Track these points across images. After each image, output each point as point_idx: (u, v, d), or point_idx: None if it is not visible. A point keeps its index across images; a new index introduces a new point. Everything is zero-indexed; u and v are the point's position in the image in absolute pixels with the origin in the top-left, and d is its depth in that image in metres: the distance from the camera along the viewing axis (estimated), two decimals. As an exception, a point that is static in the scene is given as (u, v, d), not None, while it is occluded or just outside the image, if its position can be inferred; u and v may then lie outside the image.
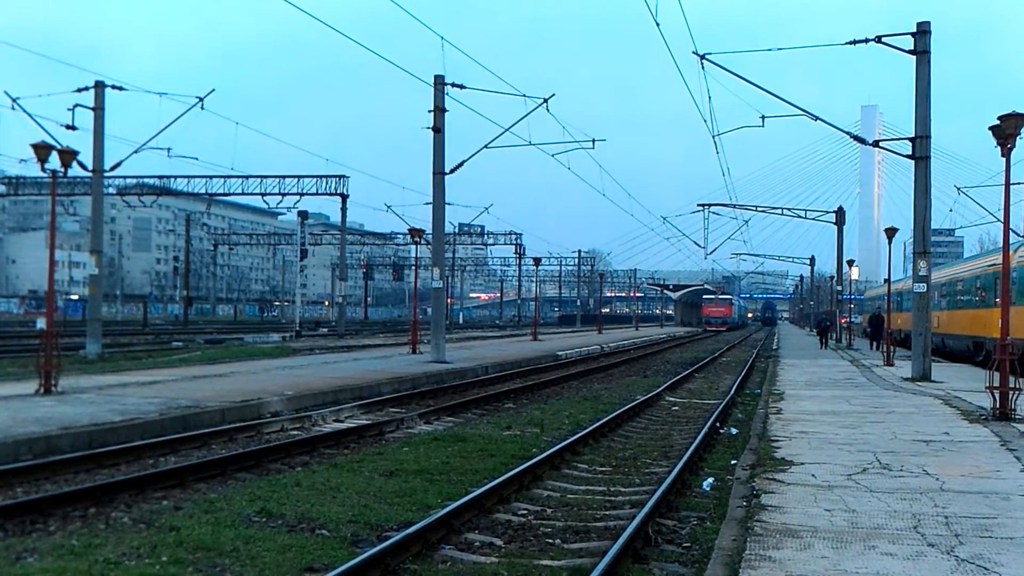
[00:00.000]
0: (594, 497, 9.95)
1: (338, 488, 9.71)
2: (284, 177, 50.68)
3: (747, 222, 59.36)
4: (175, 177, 52.42)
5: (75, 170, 22.08)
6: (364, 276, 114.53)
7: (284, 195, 50.45)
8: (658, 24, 21.38)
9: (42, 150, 17.11)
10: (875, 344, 41.78)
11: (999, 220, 17.92)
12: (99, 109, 29.95)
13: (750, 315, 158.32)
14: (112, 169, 32.08)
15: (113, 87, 30.14)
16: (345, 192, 51.27)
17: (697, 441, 12.87)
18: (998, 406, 14.56)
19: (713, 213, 55.84)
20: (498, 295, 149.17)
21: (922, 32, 22.71)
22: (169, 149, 33.92)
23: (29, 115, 28.79)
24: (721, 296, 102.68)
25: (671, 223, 63.38)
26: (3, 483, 9.71)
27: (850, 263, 54.95)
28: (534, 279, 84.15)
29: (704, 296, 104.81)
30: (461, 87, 27.30)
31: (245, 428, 14.00)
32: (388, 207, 56.62)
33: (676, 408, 19.04)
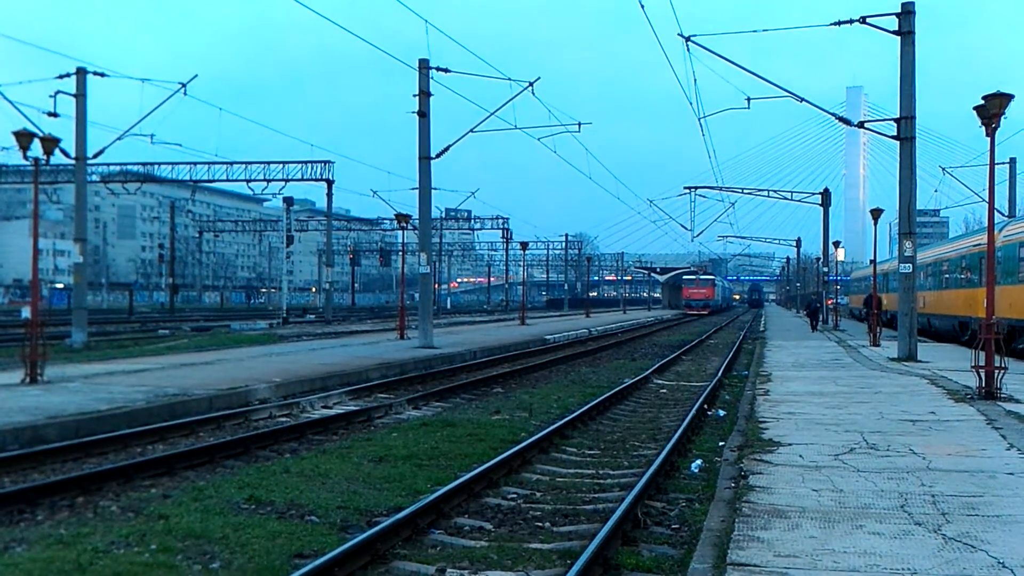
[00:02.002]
0: (583, 480, 9.97)
1: (327, 474, 9.70)
2: (269, 163, 50.42)
3: (733, 204, 59.47)
4: (159, 164, 52.13)
5: (58, 157, 21.98)
6: (351, 262, 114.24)
7: (269, 181, 50.17)
8: (643, 6, 21.36)
9: (24, 138, 16.97)
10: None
11: (984, 200, 18.02)
12: (81, 96, 29.66)
13: (736, 297, 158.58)
14: (95, 156, 31.81)
15: (95, 73, 29.86)
16: (331, 178, 51.07)
17: (685, 423, 12.91)
18: (984, 385, 14.65)
19: (699, 196, 56.02)
20: (486, 280, 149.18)
21: (906, 13, 22.73)
22: (152, 136, 33.60)
23: (10, 102, 28.48)
24: (703, 276, 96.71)
25: (658, 206, 63.25)
26: (-10, 473, 9.66)
27: (836, 244, 55.16)
28: (521, 263, 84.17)
29: (684, 277, 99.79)
30: (446, 71, 27.17)
31: (233, 415, 13.97)
32: (374, 192, 56.68)
33: (664, 391, 19.10)
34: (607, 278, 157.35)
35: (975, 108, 15.11)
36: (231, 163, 50.33)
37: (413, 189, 29.85)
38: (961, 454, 9.60)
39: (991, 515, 6.96)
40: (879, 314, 33.58)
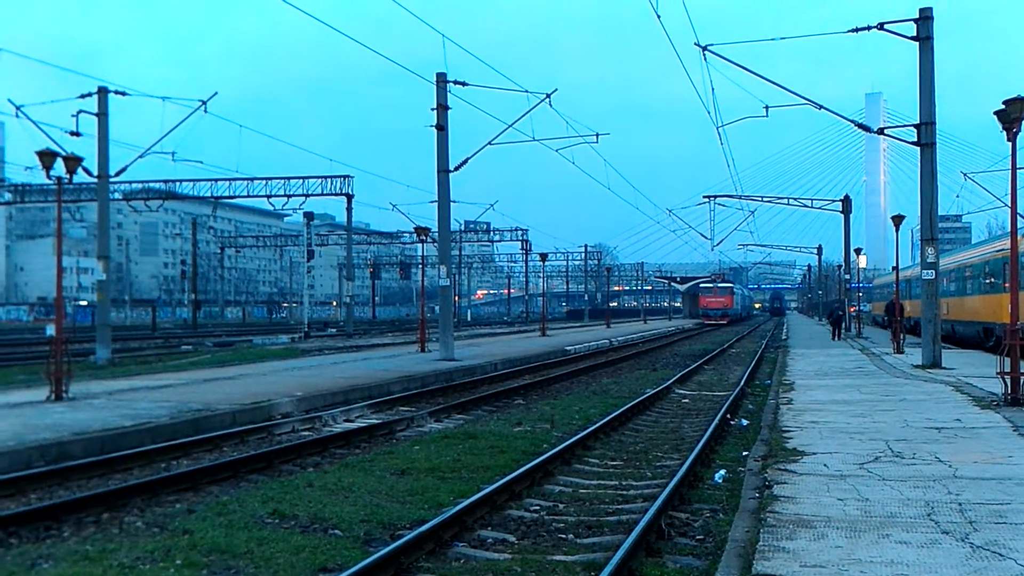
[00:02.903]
0: (606, 491, 9.94)
1: (350, 488, 9.72)
2: (289, 178, 50.68)
3: (753, 213, 59.30)
4: (180, 181, 52.43)
5: (80, 176, 22.14)
6: (371, 275, 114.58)
7: (289, 196, 50.43)
8: (659, 16, 21.37)
9: (47, 157, 17.15)
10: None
11: (1006, 205, 17.85)
12: (103, 115, 29.99)
13: (758, 306, 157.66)
14: (117, 174, 32.13)
15: (116, 92, 30.17)
16: (350, 192, 51.27)
17: (708, 433, 12.85)
18: (1009, 392, 14.51)
19: (719, 204, 55.78)
20: (505, 292, 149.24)
21: (924, 18, 22.61)
22: (174, 153, 34.01)
23: (33, 122, 28.85)
24: (721, 285, 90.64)
25: (677, 215, 62.85)
26: (17, 490, 9.75)
27: (858, 251, 54.78)
28: (541, 275, 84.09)
29: (701, 285, 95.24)
30: (464, 84, 27.29)
31: (256, 430, 14.03)
32: (393, 206, 56.70)
33: (686, 401, 19.02)
34: (627, 288, 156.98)
35: (995, 113, 15.03)
36: (251, 179, 50.68)
37: (432, 202, 29.98)
38: (988, 461, 9.50)
39: (1019, 523, 6.88)
40: (901, 321, 33.32)
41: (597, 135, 31.24)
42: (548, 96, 28.22)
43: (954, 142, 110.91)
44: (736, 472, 10.46)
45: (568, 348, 35.12)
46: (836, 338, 42.88)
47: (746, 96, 27.50)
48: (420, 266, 53.97)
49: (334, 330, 61.17)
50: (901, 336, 31.27)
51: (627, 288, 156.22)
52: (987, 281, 29.02)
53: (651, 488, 9.88)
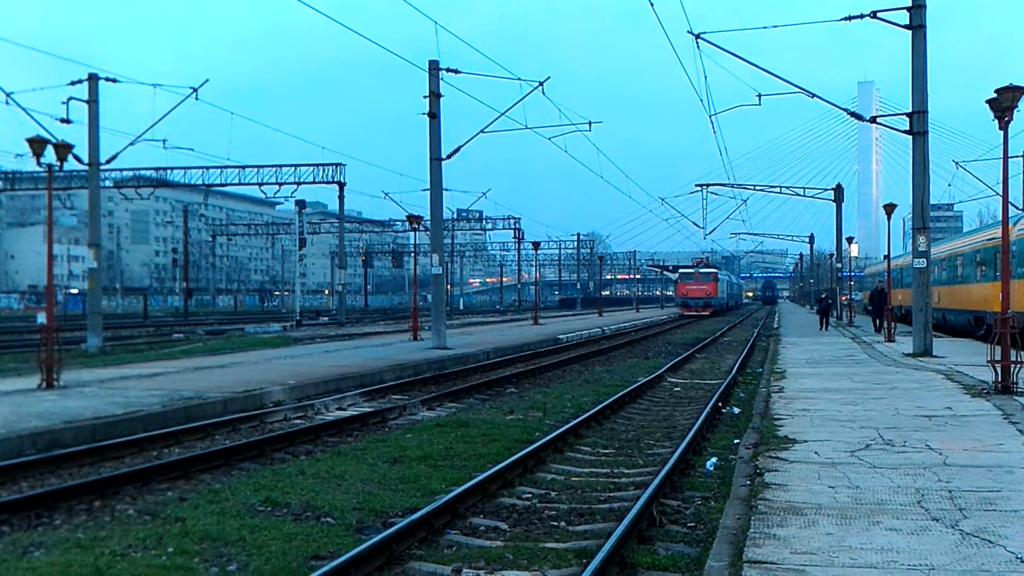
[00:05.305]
0: (598, 479, 9.96)
1: (342, 476, 9.72)
2: (281, 166, 50.60)
3: (745, 201, 59.27)
4: (171, 168, 52.27)
5: (71, 163, 22.06)
6: (363, 264, 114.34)
7: (281, 184, 50.36)
8: (652, 4, 21.32)
9: (37, 144, 17.05)
10: (878, 322, 37.84)
11: (998, 194, 17.92)
12: (93, 102, 29.80)
13: (749, 294, 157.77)
14: (108, 162, 31.96)
15: (107, 79, 29.99)
16: (342, 180, 51.16)
17: (700, 421, 12.89)
18: (1000, 380, 14.57)
19: (711, 193, 55.72)
20: (498, 280, 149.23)
21: (917, 6, 22.58)
22: (165, 141, 33.90)
23: (23, 109, 28.66)
24: (703, 270, 77.31)
25: (669, 204, 62.87)
26: (8, 478, 9.72)
27: (849, 240, 54.87)
28: (534, 263, 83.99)
29: (681, 271, 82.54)
30: (456, 72, 27.19)
31: (248, 418, 14.01)
32: (386, 194, 56.53)
33: (678, 389, 19.06)
34: (620, 277, 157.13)
35: (988, 101, 15.03)
36: (243, 167, 50.57)
37: (424, 190, 29.93)
38: (978, 449, 9.55)
39: (1009, 510, 6.92)
40: (890, 309, 33.35)
41: (590, 123, 31.19)
42: (541, 84, 28.16)
43: (946, 131, 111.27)
44: (727, 460, 10.50)
45: (560, 336, 35.15)
46: (823, 328, 41.57)
47: (739, 84, 27.54)
48: (413, 254, 53.94)
49: (326, 318, 61.07)
50: (892, 324, 31.33)
51: (619, 277, 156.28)
52: (979, 270, 29.10)
53: (643, 476, 9.91)
